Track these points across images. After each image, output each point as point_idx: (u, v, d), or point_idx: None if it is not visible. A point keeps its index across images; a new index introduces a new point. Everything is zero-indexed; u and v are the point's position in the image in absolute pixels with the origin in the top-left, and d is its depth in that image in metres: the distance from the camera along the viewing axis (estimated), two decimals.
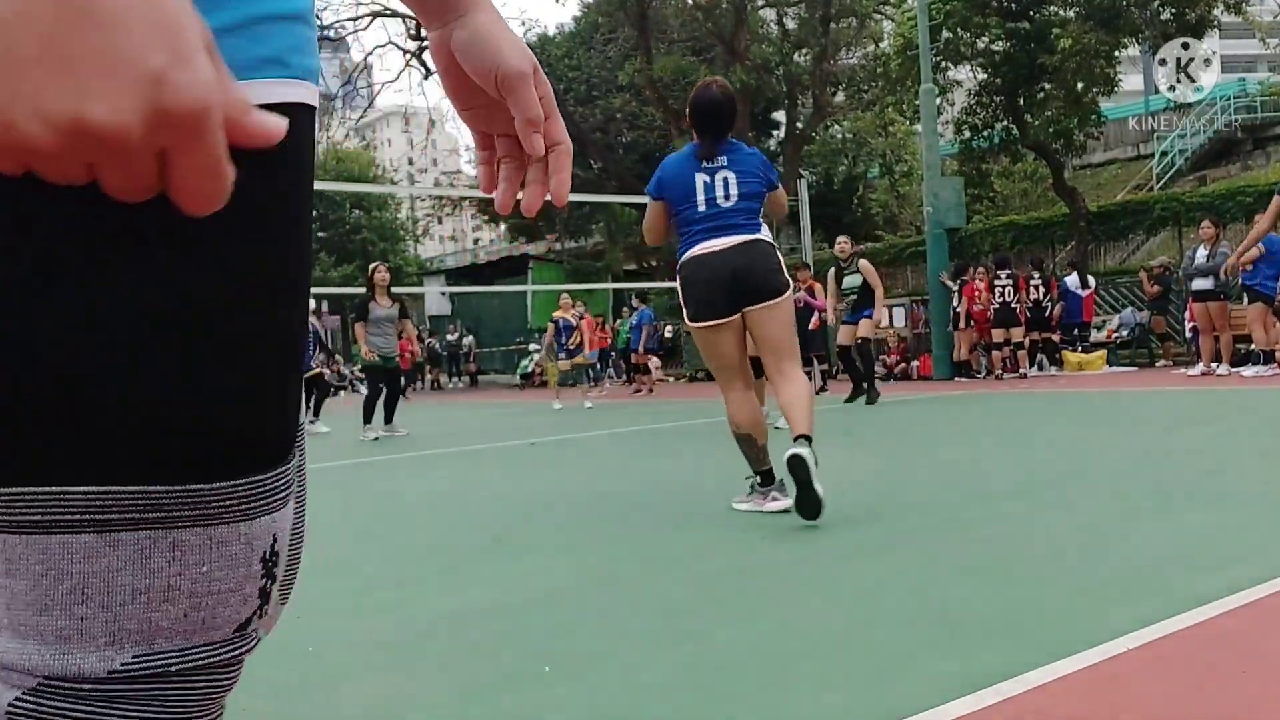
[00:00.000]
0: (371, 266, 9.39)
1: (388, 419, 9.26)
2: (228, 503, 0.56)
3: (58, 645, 0.55)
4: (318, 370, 11.21)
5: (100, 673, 0.55)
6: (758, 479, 3.76)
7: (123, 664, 0.55)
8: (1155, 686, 1.70)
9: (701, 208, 3.70)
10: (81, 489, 0.53)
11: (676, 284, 3.81)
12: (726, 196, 3.70)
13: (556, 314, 13.74)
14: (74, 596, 0.54)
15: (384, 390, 9.14)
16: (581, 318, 13.64)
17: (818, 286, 12.40)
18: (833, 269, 10.29)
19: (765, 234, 3.76)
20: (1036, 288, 13.65)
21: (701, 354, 3.78)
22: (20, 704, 0.55)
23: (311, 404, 10.67)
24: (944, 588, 2.43)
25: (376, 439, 8.94)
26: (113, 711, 0.56)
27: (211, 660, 0.59)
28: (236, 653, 0.60)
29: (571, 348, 13.37)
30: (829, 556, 2.92)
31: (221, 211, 0.46)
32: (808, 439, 3.51)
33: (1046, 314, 13.73)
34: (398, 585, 2.89)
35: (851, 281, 9.93)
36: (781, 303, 3.69)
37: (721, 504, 3.95)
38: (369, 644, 2.27)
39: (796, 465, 3.33)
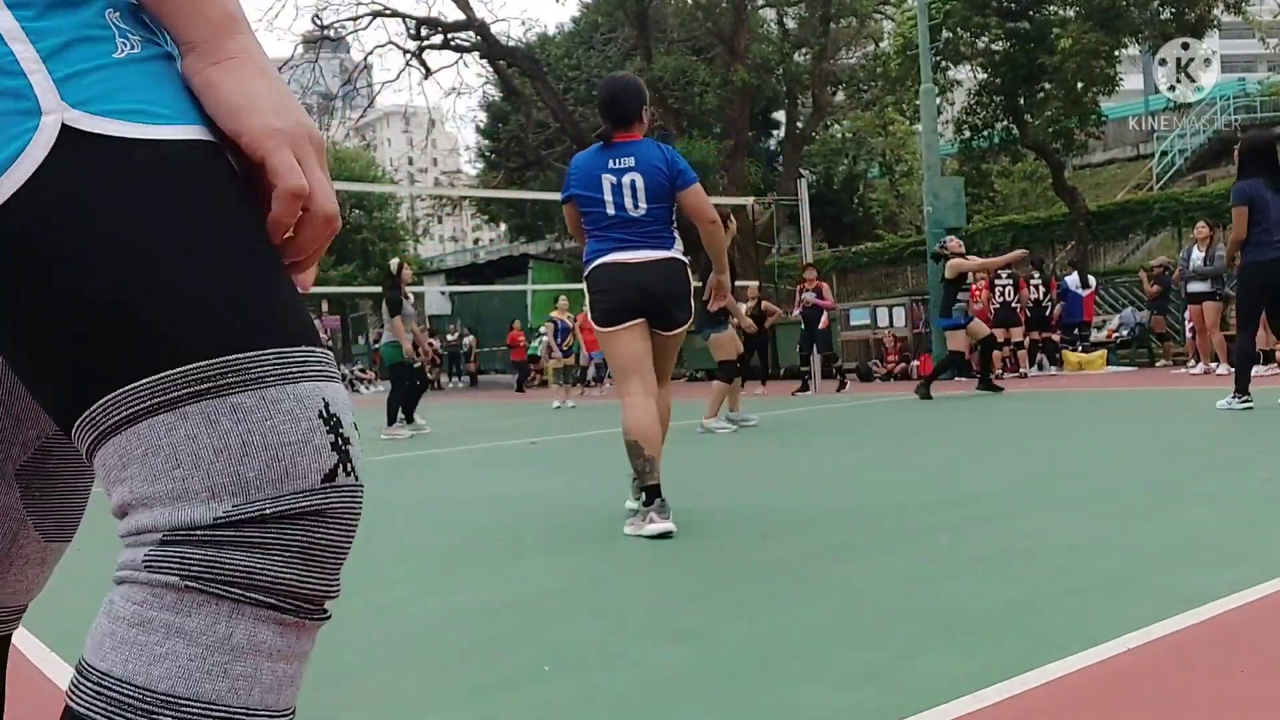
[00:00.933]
0: (397, 263, 9.42)
1: (410, 417, 9.32)
2: (264, 369, 0.69)
3: (171, 504, 0.68)
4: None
5: (206, 520, 0.67)
6: (641, 496, 3.49)
7: (224, 512, 0.68)
8: (1155, 686, 1.70)
9: (610, 210, 3.59)
10: (145, 380, 0.68)
11: (586, 283, 3.70)
12: (635, 204, 3.58)
13: (554, 314, 13.79)
14: (170, 463, 0.68)
15: (406, 388, 9.21)
16: (574, 319, 13.71)
17: (825, 286, 12.48)
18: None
19: (677, 249, 3.67)
20: (1036, 287, 13.65)
21: (608, 357, 3.71)
22: (152, 555, 0.68)
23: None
24: (943, 588, 2.43)
25: (411, 436, 8.98)
26: (221, 556, 0.68)
27: (304, 506, 0.70)
28: (328, 503, 0.71)
29: (565, 349, 13.44)
30: (828, 556, 2.92)
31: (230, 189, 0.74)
32: (657, 490, 3.47)
33: (1047, 313, 13.72)
34: (398, 585, 2.89)
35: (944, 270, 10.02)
36: (680, 334, 3.69)
37: (721, 504, 3.95)
38: (369, 644, 2.27)
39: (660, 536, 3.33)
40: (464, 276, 28.82)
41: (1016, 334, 13.24)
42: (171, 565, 0.67)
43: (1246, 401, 6.27)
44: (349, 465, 0.73)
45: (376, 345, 32.63)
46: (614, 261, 3.58)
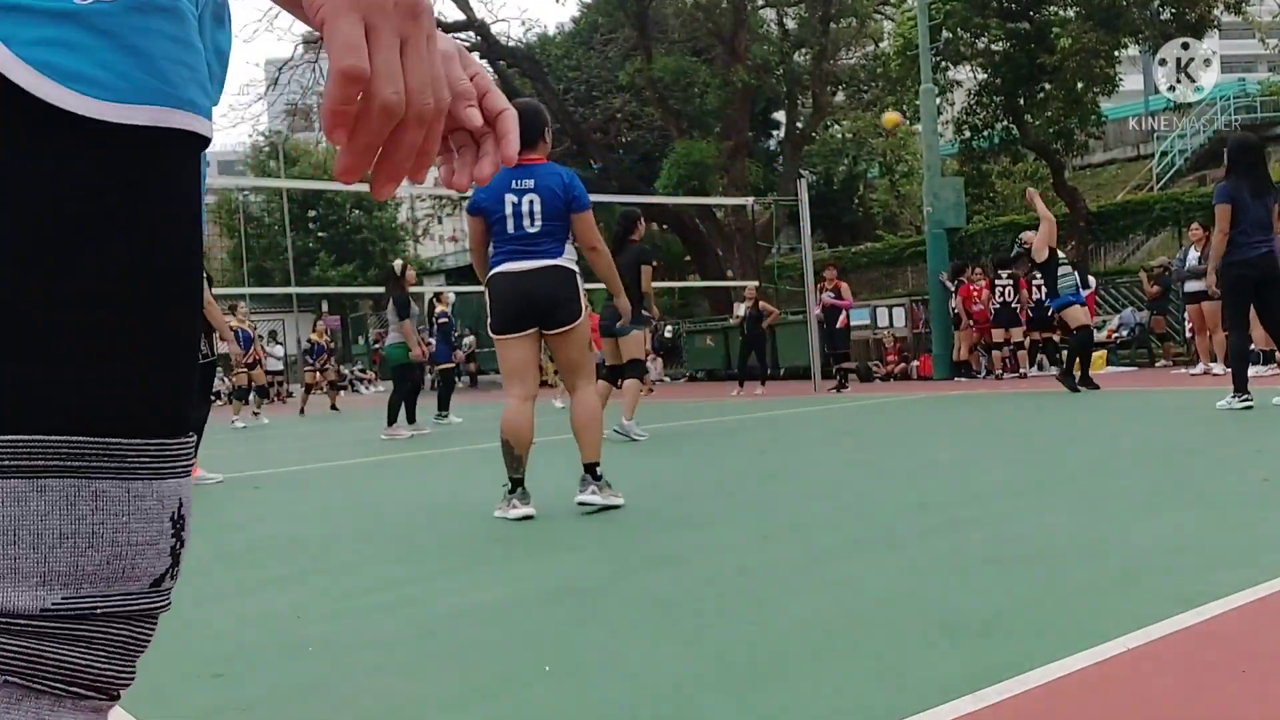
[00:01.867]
0: (401, 265, 9.50)
1: (411, 417, 9.41)
2: (142, 460, 0.63)
3: None
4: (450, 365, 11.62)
5: (34, 610, 0.61)
6: (506, 485, 3.92)
7: (53, 603, 0.61)
8: (1154, 686, 1.70)
9: (510, 228, 3.94)
10: (13, 437, 0.59)
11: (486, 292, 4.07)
12: (532, 221, 3.93)
13: None
14: (6, 537, 0.59)
15: (408, 388, 9.31)
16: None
17: (844, 286, 12.51)
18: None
19: (566, 259, 4.00)
20: (1039, 288, 13.64)
21: (499, 360, 4.07)
22: None
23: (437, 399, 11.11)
24: (943, 587, 2.43)
25: (410, 437, 9.03)
26: (43, 648, 0.62)
27: (131, 608, 0.65)
28: (152, 606, 0.67)
29: None
30: (829, 556, 2.92)
31: (141, 216, 0.59)
32: (594, 469, 4.00)
33: (1049, 314, 13.71)
34: (398, 585, 2.89)
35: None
36: (575, 328, 3.96)
37: (721, 504, 3.95)
38: (369, 644, 2.27)
39: (587, 507, 3.87)
40: (464, 277, 28.80)
41: (1016, 334, 13.24)
42: None
43: (1246, 400, 6.27)
44: (176, 570, 0.68)
45: (376, 345, 32.60)
46: (504, 271, 3.95)
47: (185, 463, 0.67)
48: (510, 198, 3.93)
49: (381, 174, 0.65)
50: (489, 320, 4.02)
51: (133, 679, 0.68)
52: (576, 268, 4.04)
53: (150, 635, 0.68)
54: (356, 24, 0.59)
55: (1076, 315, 9.59)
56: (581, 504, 3.96)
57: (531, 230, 3.93)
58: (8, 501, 0.60)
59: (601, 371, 7.82)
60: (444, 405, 10.82)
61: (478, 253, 4.16)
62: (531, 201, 3.93)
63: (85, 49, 0.58)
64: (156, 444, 0.64)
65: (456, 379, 10.33)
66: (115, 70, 0.59)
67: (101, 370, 0.61)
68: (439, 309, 12.11)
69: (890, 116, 15.76)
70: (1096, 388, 9.16)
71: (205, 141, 0.66)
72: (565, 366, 4.08)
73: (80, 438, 0.61)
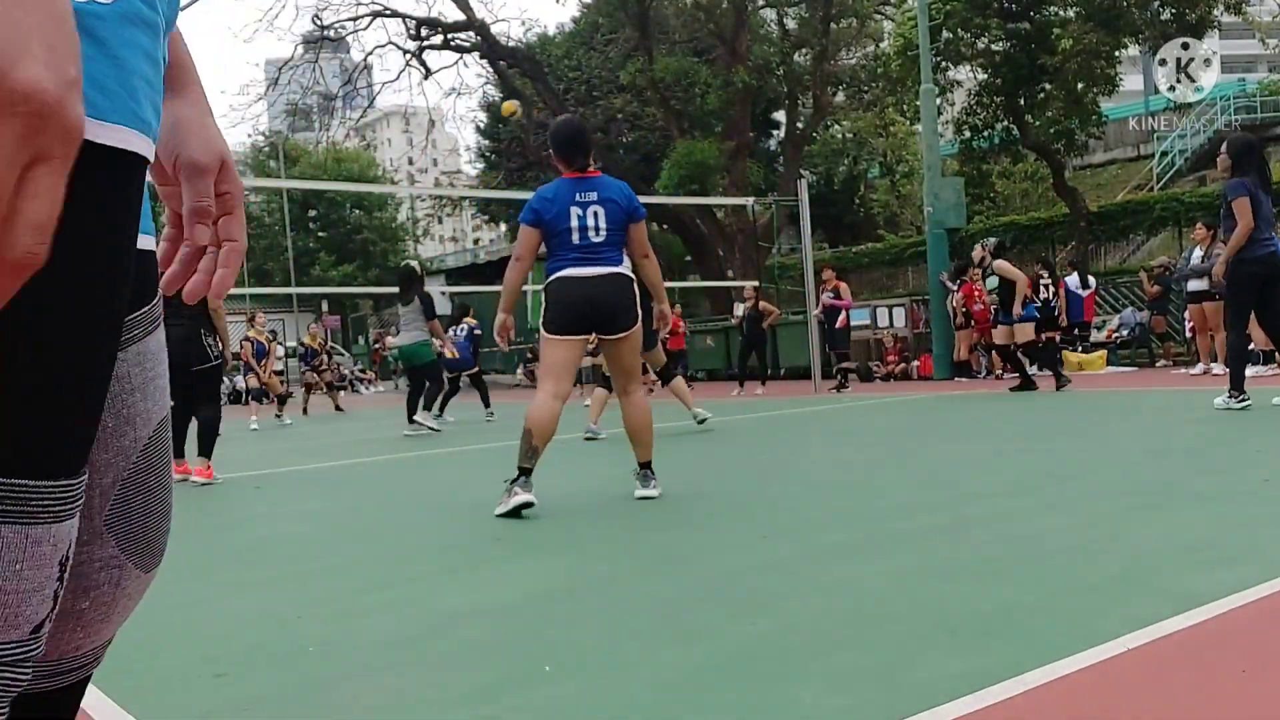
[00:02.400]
0: (418, 265, 9.93)
1: (443, 407, 10.02)
2: (44, 502, 0.59)
3: None
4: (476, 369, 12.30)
5: None
6: (515, 474, 4.01)
7: None
8: (1155, 686, 1.70)
9: (575, 240, 4.08)
10: None
11: (544, 294, 4.15)
12: (598, 232, 4.09)
13: None
14: None
15: (424, 385, 9.56)
16: None
17: (843, 286, 12.54)
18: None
19: (626, 267, 4.19)
20: (1046, 287, 13.61)
21: (543, 355, 4.15)
22: None
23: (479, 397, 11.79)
24: (943, 588, 2.43)
25: (437, 431, 9.33)
26: None
27: (14, 657, 0.61)
28: (30, 653, 0.62)
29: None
30: (829, 556, 2.92)
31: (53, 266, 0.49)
32: (648, 466, 4.23)
33: (1055, 314, 13.70)
34: (398, 585, 2.89)
35: (990, 283, 10.82)
36: (632, 333, 4.13)
37: (721, 504, 3.95)
38: (369, 644, 2.27)
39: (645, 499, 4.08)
40: (464, 277, 28.84)
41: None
42: None
43: (1244, 400, 6.27)
44: (52, 614, 0.64)
45: (377, 345, 32.57)
46: (570, 276, 4.07)
47: (77, 502, 0.63)
48: (575, 210, 4.08)
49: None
50: (545, 319, 4.10)
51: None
52: (634, 275, 4.22)
53: (23, 682, 0.63)
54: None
55: (1002, 333, 10.45)
56: (643, 498, 4.15)
57: (596, 240, 4.09)
58: None
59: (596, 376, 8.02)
60: (443, 407, 10.99)
61: (523, 262, 4.25)
62: (596, 214, 4.09)
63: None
64: (61, 486, 0.60)
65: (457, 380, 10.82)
66: (98, 84, 0.55)
67: (8, 408, 0.57)
68: (469, 322, 13.03)
69: (507, 105, 16.12)
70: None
71: (146, 164, 0.62)
72: (619, 371, 4.22)
73: None
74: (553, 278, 4.12)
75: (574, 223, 4.07)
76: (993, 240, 11.70)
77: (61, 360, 0.58)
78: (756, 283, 14.86)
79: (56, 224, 0.47)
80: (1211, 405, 6.54)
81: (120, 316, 0.63)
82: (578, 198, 4.11)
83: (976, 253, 11.19)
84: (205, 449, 5.99)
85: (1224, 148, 6.56)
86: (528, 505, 3.90)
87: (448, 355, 9.53)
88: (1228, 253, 6.33)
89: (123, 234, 0.59)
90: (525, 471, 3.99)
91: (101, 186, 0.55)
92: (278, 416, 13.86)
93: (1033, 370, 10.41)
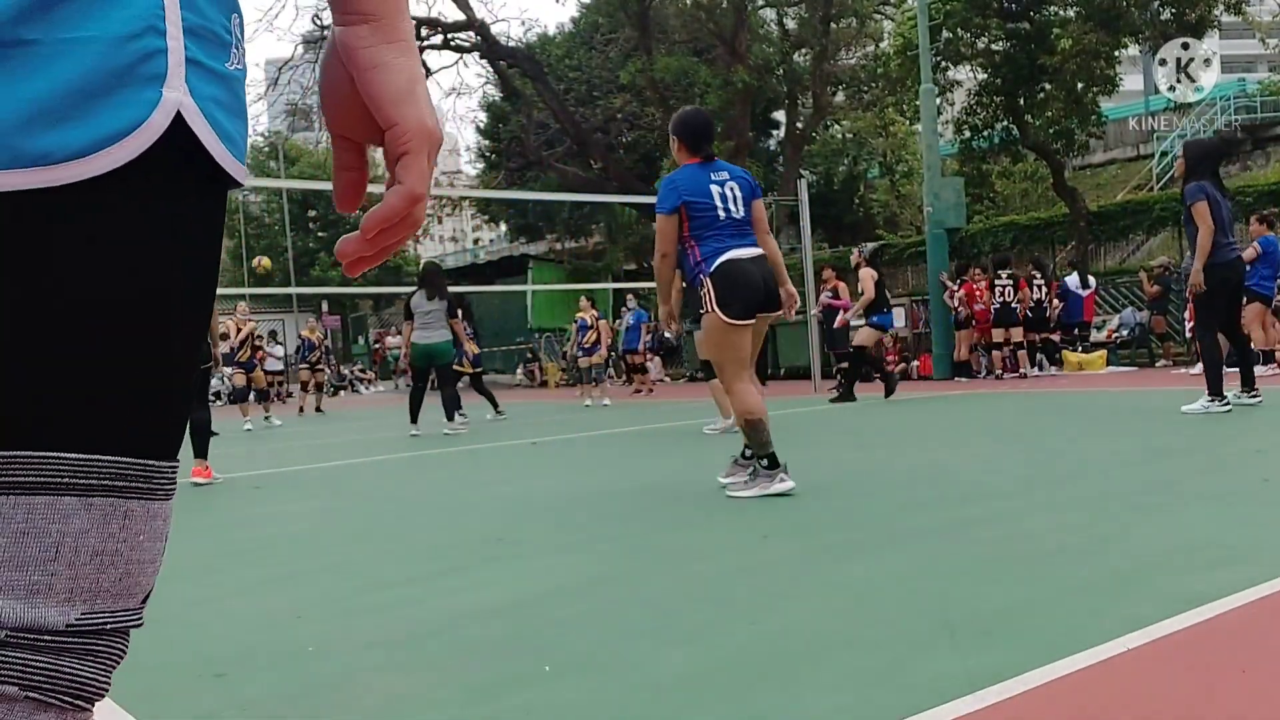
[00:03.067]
0: (437, 265, 10.12)
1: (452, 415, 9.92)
2: (160, 480, 0.66)
3: (28, 599, 0.61)
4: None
5: (59, 625, 0.62)
6: (763, 462, 4.03)
7: (75, 619, 0.63)
8: (1155, 686, 1.70)
9: (721, 215, 4.09)
10: (73, 455, 0.62)
11: (707, 281, 4.06)
12: (737, 207, 4.12)
13: (579, 314, 14.16)
14: (49, 554, 0.61)
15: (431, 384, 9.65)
16: (600, 319, 14.04)
17: (842, 286, 12.57)
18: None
19: None
20: (1039, 288, 13.64)
21: (718, 348, 4.13)
22: None
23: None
24: (944, 588, 2.43)
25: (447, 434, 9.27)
26: (61, 664, 0.63)
27: (129, 624, 0.67)
28: (139, 621, 0.68)
29: (587, 346, 13.73)
30: (829, 556, 2.92)
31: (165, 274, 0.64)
32: (774, 457, 4.09)
33: (1046, 314, 13.71)
34: (398, 585, 2.89)
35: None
36: (774, 314, 4.21)
37: (721, 504, 3.95)
38: (369, 644, 2.27)
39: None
40: (464, 277, 28.81)
41: (1016, 334, 13.24)
42: (12, 675, 0.61)
43: (1224, 404, 6.25)
44: (152, 587, 0.70)
45: (377, 345, 32.53)
46: (739, 258, 4.07)
47: (175, 484, 0.70)
48: (714, 188, 4.12)
49: (369, 261, 0.77)
50: (725, 308, 4.02)
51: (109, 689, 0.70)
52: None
53: (126, 650, 0.70)
54: (428, 159, 0.72)
55: (865, 335, 10.65)
56: (784, 494, 4.04)
57: (738, 216, 4.13)
58: (53, 518, 0.61)
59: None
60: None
61: (670, 260, 4.24)
62: (733, 189, 4.15)
63: (231, 111, 0.66)
64: (170, 466, 0.67)
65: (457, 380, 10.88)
66: (240, 133, 0.68)
67: (133, 394, 0.64)
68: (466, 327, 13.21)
69: (263, 262, 16.74)
70: (853, 400, 10.16)
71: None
72: (757, 350, 4.29)
73: (123, 458, 0.63)
74: (721, 260, 4.06)
75: (715, 200, 4.10)
76: (870, 246, 12.04)
77: (181, 355, 0.67)
78: None
79: (217, 238, 0.69)
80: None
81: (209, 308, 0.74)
82: (712, 177, 4.16)
83: (854, 257, 11.25)
84: (200, 450, 5.99)
85: (1181, 151, 6.61)
86: (793, 491, 3.96)
87: (470, 353, 9.68)
88: (1199, 260, 6.33)
89: (221, 233, 0.71)
90: (773, 458, 4.01)
91: (220, 205, 0.69)
92: (266, 418, 13.85)
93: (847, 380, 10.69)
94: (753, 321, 4.09)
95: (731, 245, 4.07)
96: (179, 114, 0.60)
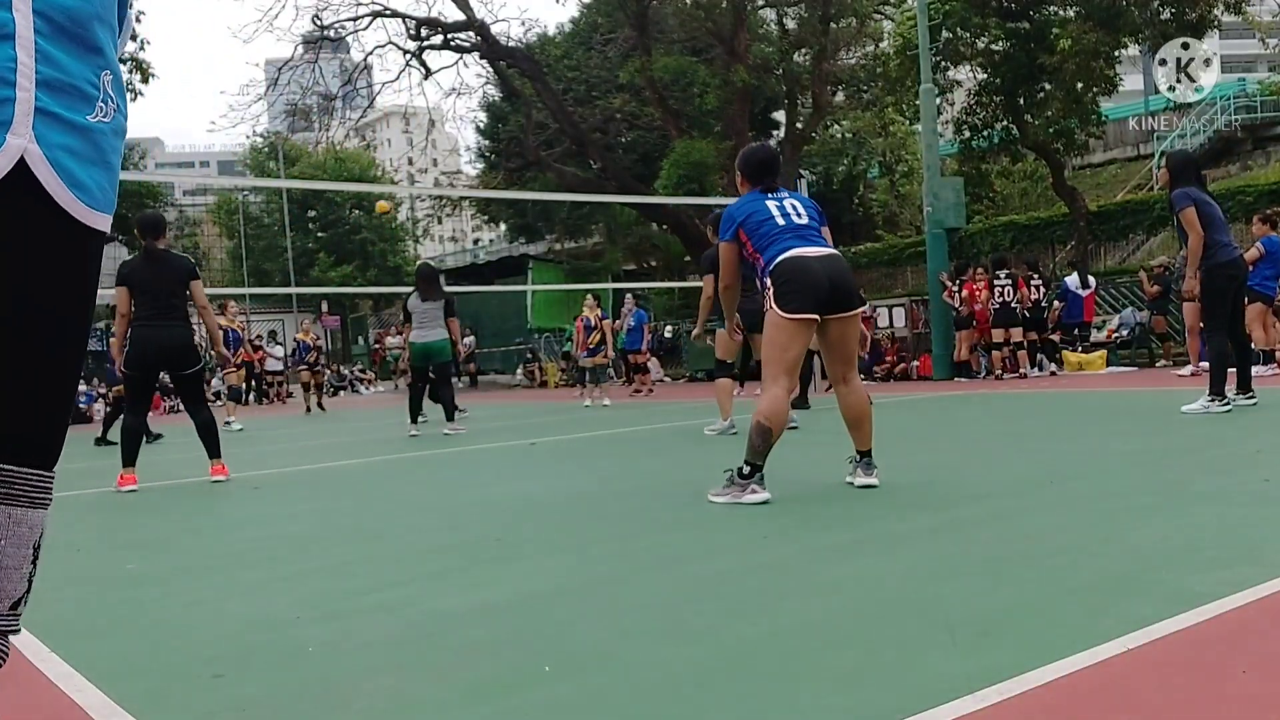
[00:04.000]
0: (435, 267, 10.31)
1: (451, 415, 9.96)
2: (25, 488, 0.69)
3: None
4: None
5: None
6: (744, 469, 3.91)
7: None
8: (1155, 686, 1.70)
9: (780, 221, 4.04)
10: None
11: (769, 280, 3.99)
12: (799, 215, 4.08)
13: (585, 314, 14.17)
14: None
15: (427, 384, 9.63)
16: (603, 319, 14.04)
17: None
18: None
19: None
20: (1037, 288, 13.64)
21: (769, 344, 4.01)
22: None
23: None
24: (944, 588, 2.43)
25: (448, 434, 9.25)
26: None
27: (2, 629, 0.69)
28: (6, 628, 0.70)
29: (592, 346, 13.75)
30: (829, 556, 2.92)
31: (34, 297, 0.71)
32: (868, 454, 4.12)
33: (1044, 315, 13.71)
34: (398, 585, 2.89)
35: None
36: (859, 315, 4.10)
37: (721, 504, 3.95)
38: (369, 644, 2.26)
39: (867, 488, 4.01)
40: (464, 277, 28.83)
41: (1016, 334, 13.25)
42: None
43: (1225, 404, 6.25)
44: (26, 599, 0.72)
45: (377, 345, 32.52)
46: (802, 254, 3.97)
47: (50, 496, 0.73)
48: (771, 203, 4.10)
49: None
50: (783, 302, 3.92)
51: None
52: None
53: (4, 657, 0.72)
54: None
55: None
56: (865, 486, 4.05)
57: (800, 221, 4.06)
58: None
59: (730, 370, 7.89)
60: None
61: (732, 290, 4.31)
62: (793, 204, 4.12)
63: (86, 160, 0.72)
64: (38, 475, 0.70)
65: (455, 379, 10.78)
66: (96, 181, 0.73)
67: (40, 404, 0.68)
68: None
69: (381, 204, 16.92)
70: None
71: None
72: (843, 356, 4.09)
73: (11, 466, 0.66)
74: (783, 258, 3.95)
75: (774, 212, 4.06)
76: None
77: (65, 368, 0.71)
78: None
79: (69, 276, 0.74)
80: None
81: (84, 334, 0.79)
82: (769, 197, 4.14)
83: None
84: (213, 449, 6.03)
85: (1163, 161, 6.72)
86: (766, 502, 3.84)
87: (464, 353, 9.77)
88: (1191, 266, 6.37)
89: (96, 278, 0.77)
90: (758, 469, 3.88)
91: (94, 253, 0.75)
92: (228, 422, 11.97)
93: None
94: (813, 319, 3.92)
95: (793, 245, 3.97)
96: (23, 159, 0.66)
